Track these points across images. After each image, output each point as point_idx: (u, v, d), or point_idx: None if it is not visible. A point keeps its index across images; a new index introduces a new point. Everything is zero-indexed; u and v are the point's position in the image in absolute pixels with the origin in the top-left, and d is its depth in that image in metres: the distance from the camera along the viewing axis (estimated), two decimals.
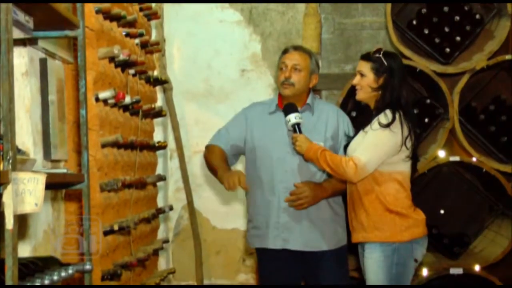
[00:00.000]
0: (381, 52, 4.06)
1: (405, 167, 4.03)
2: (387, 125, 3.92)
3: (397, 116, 3.95)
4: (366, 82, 4.05)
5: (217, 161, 4.28)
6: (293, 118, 4.14)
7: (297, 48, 4.41)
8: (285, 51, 4.40)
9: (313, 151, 4.02)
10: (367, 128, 4.00)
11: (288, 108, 4.21)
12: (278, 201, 4.22)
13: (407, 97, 4.09)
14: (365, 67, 4.06)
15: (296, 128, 4.13)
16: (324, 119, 4.37)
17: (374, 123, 3.97)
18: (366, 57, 4.10)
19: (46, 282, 2.80)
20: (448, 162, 5.86)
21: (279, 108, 4.34)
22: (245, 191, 4.36)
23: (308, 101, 4.36)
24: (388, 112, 3.96)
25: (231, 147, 4.37)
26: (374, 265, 3.98)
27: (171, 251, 6.27)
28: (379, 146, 3.93)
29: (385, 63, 4.02)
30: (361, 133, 4.06)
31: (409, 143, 3.98)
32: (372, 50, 4.13)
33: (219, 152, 4.34)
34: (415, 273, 5.66)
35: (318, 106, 4.39)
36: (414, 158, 4.07)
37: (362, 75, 4.07)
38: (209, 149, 4.40)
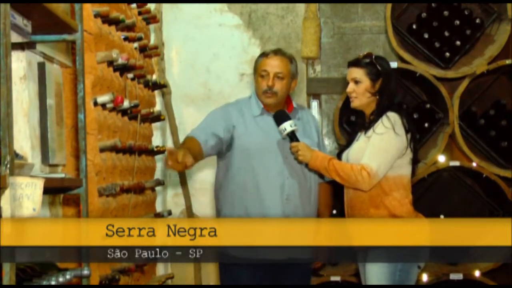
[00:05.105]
0: (373, 57, 4.04)
1: (408, 171, 4.02)
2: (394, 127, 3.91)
3: (400, 117, 3.94)
4: (362, 89, 4.02)
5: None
6: (288, 126, 4.02)
7: (277, 52, 4.22)
8: (264, 55, 4.22)
9: (320, 160, 3.96)
10: (369, 133, 3.97)
11: (280, 116, 4.08)
12: (283, 209, 4.11)
13: (401, 99, 4.08)
14: (359, 74, 4.03)
15: (292, 136, 4.03)
16: (309, 122, 4.31)
17: (378, 127, 3.94)
18: (357, 63, 4.05)
19: None
20: (448, 167, 5.84)
21: (265, 111, 4.21)
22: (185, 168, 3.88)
23: (294, 105, 4.28)
24: (390, 114, 3.95)
25: (211, 135, 4.10)
26: (377, 272, 3.94)
27: None
28: (387, 150, 3.90)
29: (379, 67, 4.01)
30: (362, 138, 4.02)
31: (412, 145, 3.97)
32: (360, 55, 4.09)
33: (191, 143, 4.04)
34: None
35: (298, 109, 4.32)
36: (415, 161, 4.05)
37: (356, 82, 4.03)
38: (183, 141, 4.13)
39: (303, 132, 4.20)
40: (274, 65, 4.16)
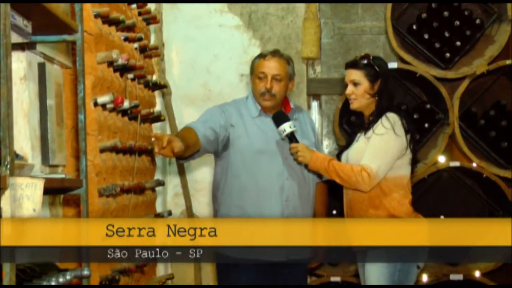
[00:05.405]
0: (371, 58, 4.04)
1: (408, 171, 4.02)
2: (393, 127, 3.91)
3: (399, 118, 3.95)
4: (362, 90, 4.02)
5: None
6: (287, 127, 4.02)
7: (275, 54, 4.19)
8: (261, 56, 4.21)
9: (320, 161, 3.96)
10: (369, 134, 3.97)
11: (279, 117, 4.08)
12: (282, 210, 4.11)
13: (401, 99, 4.08)
14: (358, 75, 4.03)
15: (292, 137, 4.03)
16: (306, 123, 4.31)
17: (378, 128, 3.94)
18: (355, 65, 4.05)
19: None
20: (448, 168, 5.84)
21: (263, 112, 4.21)
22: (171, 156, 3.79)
23: (292, 105, 4.28)
24: (390, 115, 3.95)
25: (209, 129, 4.05)
26: (377, 272, 3.94)
27: None
28: (387, 151, 3.91)
29: (377, 68, 4.01)
30: (361, 139, 4.02)
31: (412, 145, 3.97)
32: (358, 56, 4.10)
33: (187, 132, 3.97)
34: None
35: (295, 110, 4.31)
36: (414, 161, 4.06)
37: (355, 84, 4.04)
38: (180, 130, 4.10)
39: (301, 133, 4.20)
40: (272, 67, 4.15)
